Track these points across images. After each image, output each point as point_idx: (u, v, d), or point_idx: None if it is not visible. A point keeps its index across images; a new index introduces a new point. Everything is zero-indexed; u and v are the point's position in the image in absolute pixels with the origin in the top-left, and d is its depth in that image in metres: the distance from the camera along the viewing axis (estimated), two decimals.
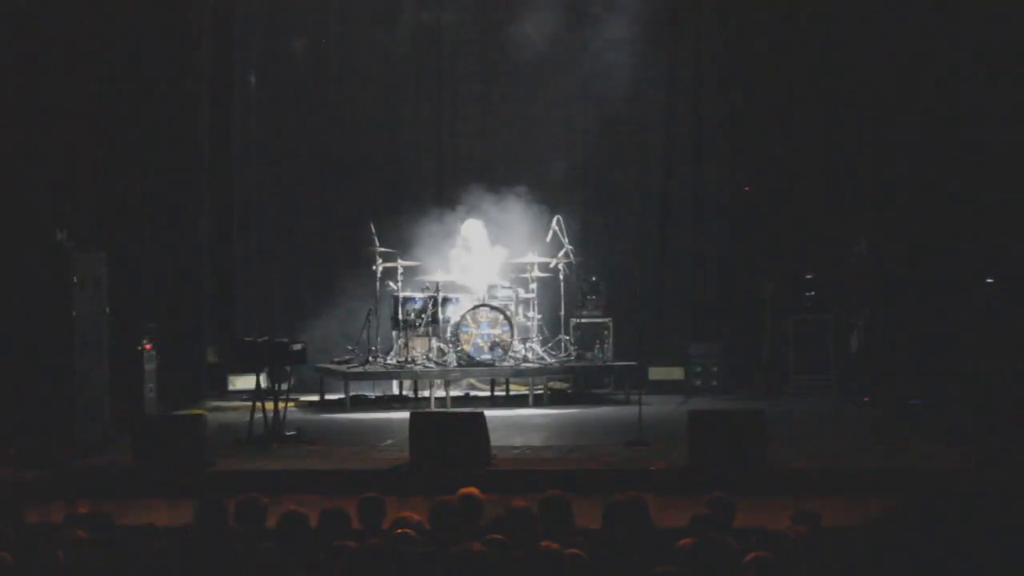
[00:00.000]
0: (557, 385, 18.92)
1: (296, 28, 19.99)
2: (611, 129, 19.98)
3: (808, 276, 19.28)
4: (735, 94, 19.60)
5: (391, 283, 18.42)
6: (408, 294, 18.43)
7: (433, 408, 17.51)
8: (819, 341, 19.08)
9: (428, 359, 18.21)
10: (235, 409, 17.86)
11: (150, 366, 16.76)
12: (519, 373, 18.39)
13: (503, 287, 18.59)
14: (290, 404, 16.49)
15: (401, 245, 18.66)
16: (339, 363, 18.48)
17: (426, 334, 18.32)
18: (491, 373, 18.51)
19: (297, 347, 15.92)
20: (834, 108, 19.38)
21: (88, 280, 15.22)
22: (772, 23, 19.53)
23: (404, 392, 18.78)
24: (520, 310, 18.56)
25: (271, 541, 8.15)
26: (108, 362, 15.58)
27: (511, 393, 18.92)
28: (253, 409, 15.56)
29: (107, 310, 15.61)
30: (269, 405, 15.43)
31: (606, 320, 19.11)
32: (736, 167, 19.84)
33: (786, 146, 19.60)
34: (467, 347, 18.10)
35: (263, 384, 15.70)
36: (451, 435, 13.71)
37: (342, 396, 18.10)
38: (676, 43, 20.04)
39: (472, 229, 18.65)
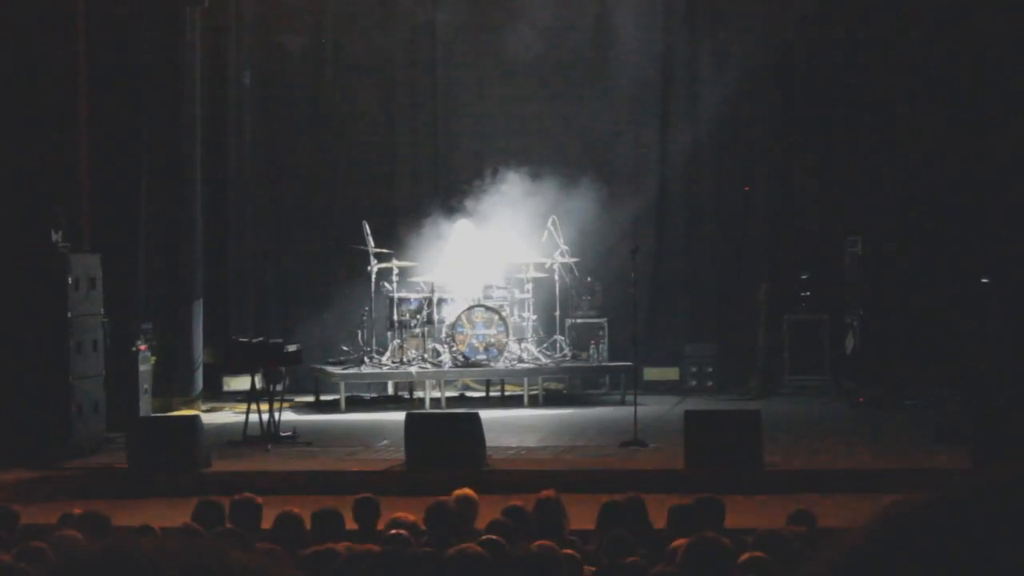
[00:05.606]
0: (552, 386, 18.90)
1: (291, 27, 19.97)
2: (608, 129, 19.96)
3: (803, 276, 19.26)
4: (733, 94, 19.58)
5: (386, 284, 18.39)
6: (403, 295, 18.40)
7: (428, 409, 17.49)
8: (814, 341, 19.06)
9: (423, 360, 18.19)
10: (231, 410, 17.85)
11: (145, 367, 16.73)
12: (514, 374, 18.36)
13: (498, 288, 18.56)
14: (285, 405, 16.47)
15: (397, 245, 18.63)
16: (334, 364, 18.45)
17: (421, 335, 18.30)
18: (486, 374, 18.49)
19: (292, 348, 15.92)
20: (831, 108, 19.38)
21: (83, 281, 15.19)
22: (770, 23, 19.52)
23: (399, 393, 18.75)
24: (515, 310, 18.54)
25: (266, 542, 8.13)
26: (103, 363, 15.56)
27: (506, 394, 18.89)
28: (248, 410, 15.56)
29: (102, 311, 15.59)
30: (264, 406, 15.43)
31: (601, 320, 19.09)
32: (734, 167, 19.83)
33: (783, 146, 19.60)
34: (462, 347, 18.08)
35: (258, 385, 15.70)
36: (446, 436, 13.70)
37: (337, 397, 18.08)
38: (673, 42, 20.02)
39: (465, 229, 18.61)
